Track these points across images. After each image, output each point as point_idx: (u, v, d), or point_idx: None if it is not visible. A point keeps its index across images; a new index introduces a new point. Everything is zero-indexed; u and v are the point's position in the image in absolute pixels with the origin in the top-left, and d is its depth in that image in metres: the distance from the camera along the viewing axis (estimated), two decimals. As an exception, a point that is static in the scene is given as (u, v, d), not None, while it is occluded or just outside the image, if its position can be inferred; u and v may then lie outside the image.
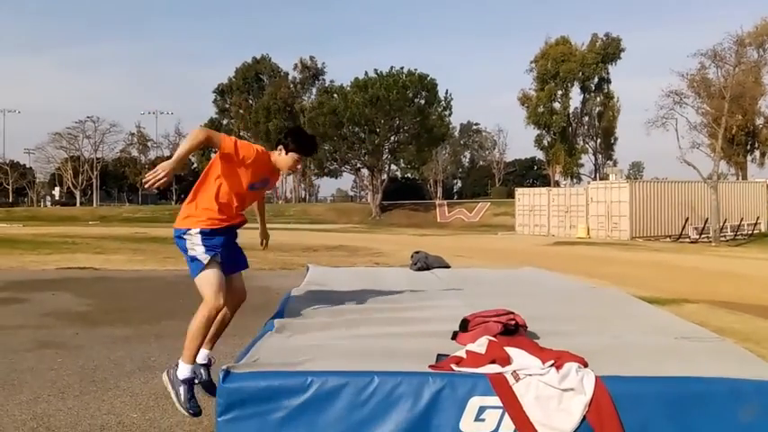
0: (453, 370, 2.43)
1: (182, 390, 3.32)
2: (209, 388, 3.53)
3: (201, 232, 3.41)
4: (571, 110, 66.02)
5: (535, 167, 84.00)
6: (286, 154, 3.57)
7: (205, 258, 3.38)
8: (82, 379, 4.85)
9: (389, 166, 59.35)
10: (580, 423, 2.27)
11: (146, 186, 3.35)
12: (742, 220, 34.22)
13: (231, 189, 3.49)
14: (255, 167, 3.49)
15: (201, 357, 3.57)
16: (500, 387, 2.31)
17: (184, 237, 3.45)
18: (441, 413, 2.29)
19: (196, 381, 3.43)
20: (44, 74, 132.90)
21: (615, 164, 63.32)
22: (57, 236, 25.49)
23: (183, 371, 3.34)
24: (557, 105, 64.59)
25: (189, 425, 3.87)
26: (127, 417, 4.01)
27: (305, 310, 3.72)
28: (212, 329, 3.55)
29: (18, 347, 5.88)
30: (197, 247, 3.40)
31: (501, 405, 2.28)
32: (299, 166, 3.72)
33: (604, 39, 64.20)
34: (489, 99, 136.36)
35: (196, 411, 3.34)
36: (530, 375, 2.34)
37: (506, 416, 2.27)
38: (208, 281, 3.38)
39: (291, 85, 74.88)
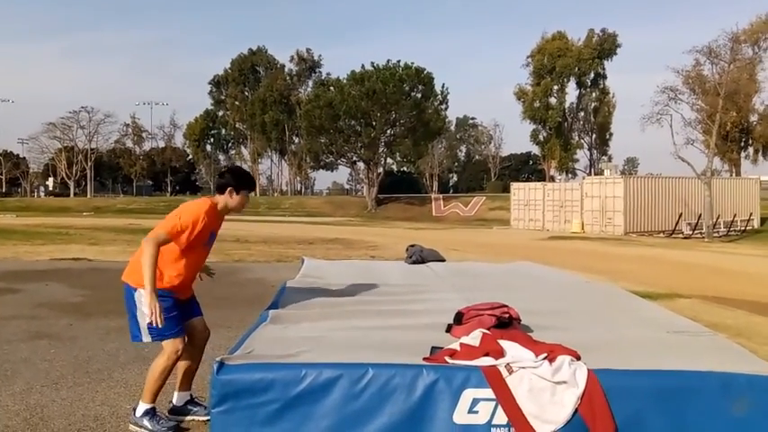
0: (447, 362, 2.44)
1: (146, 421, 3.51)
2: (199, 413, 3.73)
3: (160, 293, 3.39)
4: (567, 105, 66.06)
5: (531, 162, 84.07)
6: (237, 194, 3.60)
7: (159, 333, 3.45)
8: (75, 370, 4.85)
9: (385, 160, 59.28)
10: (572, 415, 2.28)
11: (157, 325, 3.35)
12: (735, 216, 34.34)
13: (190, 262, 3.57)
14: (208, 229, 3.52)
15: (182, 399, 3.77)
16: (493, 379, 2.32)
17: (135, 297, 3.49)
18: (434, 405, 2.29)
19: (156, 410, 3.58)
20: (38, 63, 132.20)
21: (610, 159, 63.44)
22: (50, 227, 25.40)
23: (142, 409, 3.54)
24: (553, 100, 64.60)
25: (183, 416, 3.88)
26: (121, 407, 4.00)
27: (300, 302, 3.73)
28: (182, 374, 3.74)
29: (11, 338, 5.86)
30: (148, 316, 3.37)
31: (494, 397, 2.29)
32: (245, 205, 3.73)
33: (600, 34, 64.19)
34: (485, 94, 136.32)
35: (172, 425, 3.57)
36: (523, 368, 2.35)
37: (500, 408, 2.28)
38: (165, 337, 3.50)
39: (287, 78, 74.64)
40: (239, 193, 3.61)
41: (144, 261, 3.29)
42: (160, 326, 3.29)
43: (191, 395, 3.81)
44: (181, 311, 3.56)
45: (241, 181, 3.64)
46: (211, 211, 3.54)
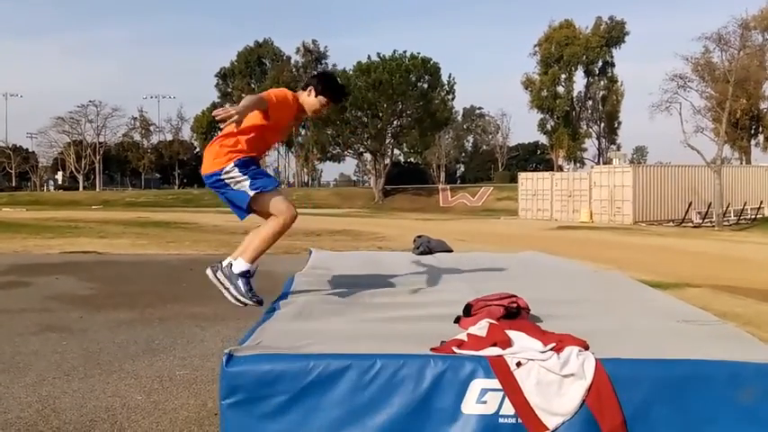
0: (455, 353, 2.45)
1: (240, 282, 3.35)
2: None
3: (236, 164, 3.34)
4: (575, 94, 65.65)
5: (538, 152, 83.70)
6: (315, 96, 3.52)
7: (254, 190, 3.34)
8: (86, 362, 4.89)
9: (392, 151, 59.19)
10: (580, 407, 2.28)
11: (216, 118, 3.19)
12: (745, 204, 34.09)
13: (260, 134, 3.45)
14: (290, 109, 3.46)
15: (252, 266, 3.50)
16: (500, 370, 2.32)
17: (222, 177, 3.37)
18: (442, 395, 2.30)
19: (251, 277, 3.43)
20: (46, 58, 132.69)
21: (618, 148, 63.15)
22: (60, 220, 25.56)
23: (241, 266, 3.37)
24: (560, 89, 64.20)
25: (193, 407, 3.91)
26: (131, 399, 4.04)
27: (308, 294, 3.73)
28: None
29: (23, 330, 5.92)
30: (242, 181, 3.33)
31: (502, 388, 2.29)
32: (324, 111, 3.66)
33: (608, 22, 63.66)
34: (493, 83, 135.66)
35: (259, 299, 3.39)
36: (531, 360, 2.34)
37: (507, 398, 2.28)
38: (272, 197, 3.41)
39: (294, 69, 74.51)
40: (317, 97, 3.52)
41: (246, 99, 3.27)
42: (234, 114, 3.11)
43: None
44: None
45: (325, 85, 3.56)
46: (295, 98, 3.51)
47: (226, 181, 3.37)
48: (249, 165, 3.39)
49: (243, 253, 3.42)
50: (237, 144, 3.37)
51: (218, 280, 3.40)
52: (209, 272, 3.45)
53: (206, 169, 3.43)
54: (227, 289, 3.38)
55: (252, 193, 3.36)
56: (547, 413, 2.27)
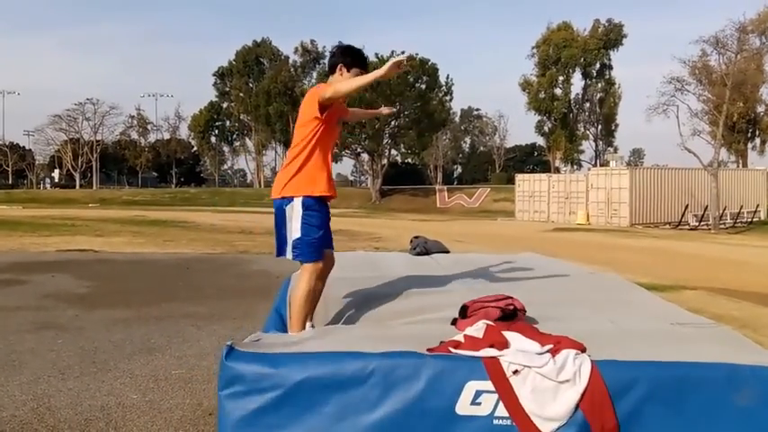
0: (451, 352, 2.45)
1: None
2: None
3: (305, 202, 3.26)
4: (572, 96, 65.63)
5: (535, 153, 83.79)
6: (348, 72, 3.35)
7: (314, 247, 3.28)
8: (82, 360, 4.87)
9: (390, 151, 59.16)
10: (574, 412, 2.28)
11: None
12: (742, 207, 34.18)
13: (328, 146, 3.37)
14: (336, 105, 3.35)
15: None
16: (495, 373, 2.32)
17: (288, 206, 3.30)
18: (437, 396, 2.30)
19: None
20: (43, 55, 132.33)
21: (616, 150, 63.09)
22: (56, 218, 25.50)
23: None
24: (558, 91, 64.22)
25: (189, 406, 3.90)
26: (127, 398, 4.03)
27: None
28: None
29: (18, 329, 5.90)
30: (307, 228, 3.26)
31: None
32: None
33: (606, 25, 63.71)
34: (490, 85, 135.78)
35: None
36: (528, 368, 2.34)
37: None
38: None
39: (292, 69, 74.46)
40: (350, 71, 3.35)
41: (350, 83, 3.18)
42: (404, 58, 3.02)
43: (311, 324, 3.51)
44: (326, 232, 3.39)
45: (351, 56, 3.39)
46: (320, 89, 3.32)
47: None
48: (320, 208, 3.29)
49: (289, 326, 3.32)
50: (309, 179, 3.26)
51: None
52: None
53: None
54: None
55: (289, 257, 3.32)
56: (542, 419, 2.28)
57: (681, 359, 2.42)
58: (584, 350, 2.43)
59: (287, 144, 77.32)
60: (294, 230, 3.26)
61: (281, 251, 3.38)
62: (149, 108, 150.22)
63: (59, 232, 18.21)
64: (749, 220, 34.33)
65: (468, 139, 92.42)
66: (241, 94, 75.47)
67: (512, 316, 2.90)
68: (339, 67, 3.38)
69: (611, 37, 63.33)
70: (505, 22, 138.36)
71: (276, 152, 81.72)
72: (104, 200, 54.34)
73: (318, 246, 3.30)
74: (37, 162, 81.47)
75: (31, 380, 4.37)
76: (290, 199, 3.29)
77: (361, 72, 3.37)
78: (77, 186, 73.19)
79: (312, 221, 3.27)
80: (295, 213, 3.27)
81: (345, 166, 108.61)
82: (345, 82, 3.23)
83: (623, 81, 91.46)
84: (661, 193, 32.62)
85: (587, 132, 68.86)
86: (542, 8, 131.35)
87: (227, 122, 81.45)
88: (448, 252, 5.81)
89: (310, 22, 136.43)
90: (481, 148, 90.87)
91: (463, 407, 2.29)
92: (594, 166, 56.36)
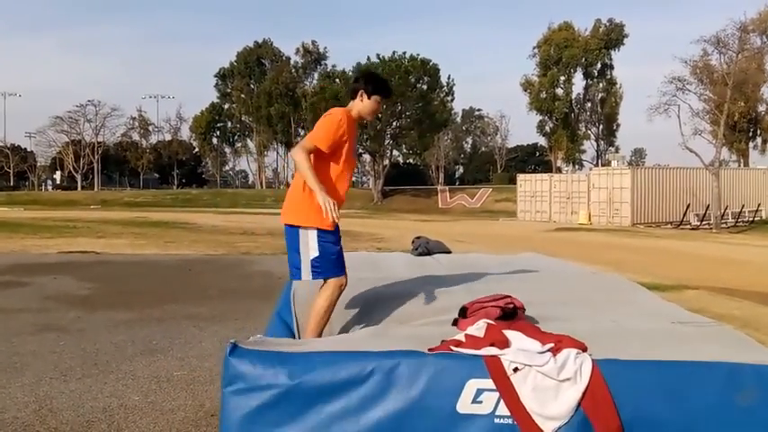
0: (452, 350, 2.45)
1: None
2: None
3: (320, 234, 3.29)
4: (573, 96, 65.58)
5: (537, 153, 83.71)
6: (368, 99, 3.44)
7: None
8: (84, 362, 4.88)
9: (391, 152, 59.18)
10: (575, 410, 2.28)
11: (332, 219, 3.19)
12: (743, 206, 34.15)
13: (344, 172, 3.41)
14: (350, 136, 3.39)
15: None
16: (496, 372, 2.32)
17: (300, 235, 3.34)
18: (438, 395, 2.30)
19: None
20: (44, 56, 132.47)
21: (617, 150, 63.02)
22: (58, 220, 25.52)
23: None
24: (559, 91, 64.17)
25: (191, 407, 3.90)
26: (129, 399, 4.03)
27: (307, 294, 3.73)
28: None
29: (20, 330, 5.91)
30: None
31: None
32: (380, 110, 3.60)
33: (607, 24, 63.66)
34: (492, 85, 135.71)
35: None
36: (528, 366, 2.34)
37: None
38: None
39: (293, 70, 74.50)
40: (371, 98, 3.43)
41: (300, 168, 3.23)
42: (335, 216, 3.13)
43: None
44: (341, 250, 3.41)
45: (373, 84, 3.47)
46: (348, 116, 3.40)
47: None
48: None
49: (305, 336, 3.31)
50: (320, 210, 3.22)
51: None
52: None
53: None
54: None
55: (305, 278, 3.34)
56: (543, 418, 2.28)
57: (682, 358, 2.42)
58: (585, 349, 2.43)
59: (288, 145, 77.36)
60: (312, 250, 3.29)
61: (295, 274, 3.39)
62: (151, 109, 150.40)
63: (61, 234, 18.23)
64: (751, 219, 34.31)
65: (469, 140, 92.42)
66: (242, 95, 75.55)
67: (512, 314, 2.90)
68: (360, 93, 3.43)
69: (612, 37, 63.29)
70: (506, 23, 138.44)
71: (278, 153, 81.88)
72: (106, 201, 54.38)
73: (339, 260, 3.34)
74: (38, 164, 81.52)
75: (33, 382, 4.37)
76: (303, 227, 3.32)
77: (382, 100, 3.45)
78: (79, 188, 73.21)
79: (328, 239, 3.32)
80: (310, 238, 3.30)
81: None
82: (304, 163, 3.22)
83: (624, 81, 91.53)
84: (663, 193, 32.61)
85: (589, 132, 68.81)
86: (543, 8, 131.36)
87: (229, 123, 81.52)
88: (450, 252, 5.81)
89: (311, 22, 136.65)
90: (483, 149, 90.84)
91: (464, 405, 2.29)
92: (596, 165, 56.28)
